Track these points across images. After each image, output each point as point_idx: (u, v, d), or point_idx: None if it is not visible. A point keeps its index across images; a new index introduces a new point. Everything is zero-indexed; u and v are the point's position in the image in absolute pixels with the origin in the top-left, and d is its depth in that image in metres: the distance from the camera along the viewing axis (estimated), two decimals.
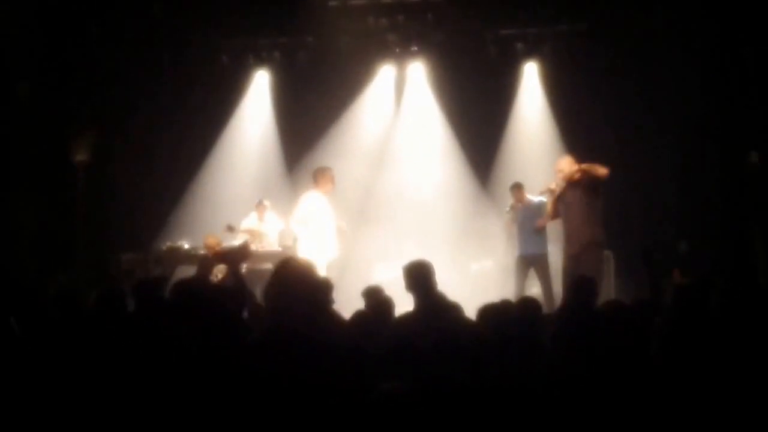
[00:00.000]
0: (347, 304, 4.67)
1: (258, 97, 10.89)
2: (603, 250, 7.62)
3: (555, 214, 7.69)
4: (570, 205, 7.43)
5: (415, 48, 10.67)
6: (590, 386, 2.70)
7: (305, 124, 10.51)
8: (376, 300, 4.49)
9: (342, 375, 2.74)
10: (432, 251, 7.48)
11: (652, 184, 9.88)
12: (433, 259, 4.66)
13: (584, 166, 7.31)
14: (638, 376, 2.74)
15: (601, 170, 7.23)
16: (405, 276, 4.50)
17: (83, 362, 3.14)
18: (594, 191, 7.32)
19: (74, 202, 9.66)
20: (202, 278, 8.32)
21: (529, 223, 8.71)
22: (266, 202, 9.50)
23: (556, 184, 7.55)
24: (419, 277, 4.43)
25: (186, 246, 9.18)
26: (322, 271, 7.62)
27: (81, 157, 9.68)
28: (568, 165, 7.50)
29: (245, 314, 3.91)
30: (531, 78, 10.69)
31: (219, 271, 8.31)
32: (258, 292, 5.39)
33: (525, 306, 3.84)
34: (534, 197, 8.86)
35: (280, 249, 9.12)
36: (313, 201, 8.17)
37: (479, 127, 10.52)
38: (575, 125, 10.02)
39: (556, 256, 8.45)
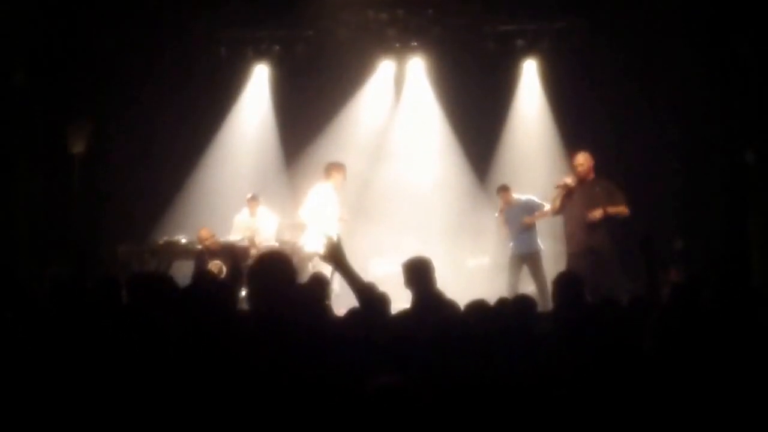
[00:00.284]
0: (347, 299, 4.66)
1: (257, 91, 10.87)
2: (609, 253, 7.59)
3: (561, 210, 7.68)
4: (579, 204, 7.43)
5: (415, 43, 10.67)
6: (584, 382, 2.71)
7: (304, 118, 10.50)
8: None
9: (332, 367, 2.74)
10: (428, 246, 7.51)
11: (649, 181, 9.88)
12: (429, 255, 4.66)
13: (610, 210, 7.36)
14: (632, 373, 2.75)
15: (624, 213, 7.40)
16: (404, 272, 4.50)
17: (78, 353, 3.13)
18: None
19: (71, 193, 9.63)
20: (198, 272, 8.36)
21: (519, 222, 8.78)
22: (258, 197, 9.47)
23: (572, 179, 7.56)
24: (419, 273, 4.42)
25: (183, 240, 9.18)
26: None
27: (78, 148, 9.65)
28: (587, 160, 7.51)
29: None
30: (530, 74, 10.70)
31: (214, 266, 8.33)
32: None
33: (520, 303, 3.85)
34: (521, 196, 8.94)
35: (277, 244, 9.11)
36: (323, 193, 8.27)
37: (478, 123, 10.54)
38: (574, 122, 10.04)
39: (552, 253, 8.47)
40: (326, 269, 7.96)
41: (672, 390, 2.72)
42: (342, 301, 4.67)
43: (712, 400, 2.71)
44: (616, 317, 3.50)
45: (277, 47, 10.58)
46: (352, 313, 3.98)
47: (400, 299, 4.60)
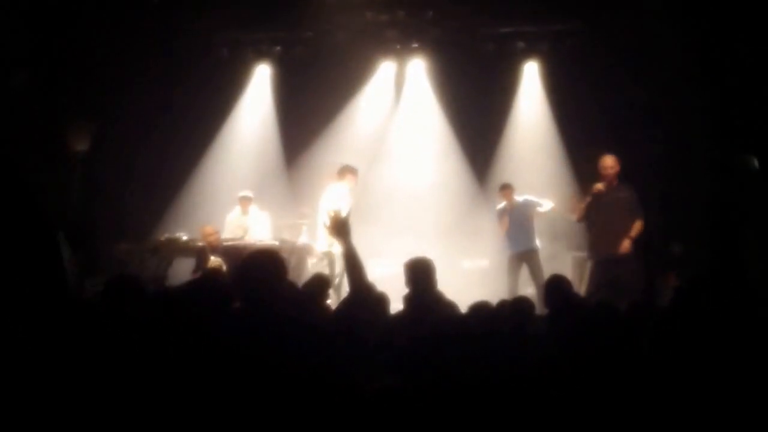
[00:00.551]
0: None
1: (257, 91, 10.92)
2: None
3: (586, 217, 7.69)
4: (605, 211, 7.46)
5: (415, 45, 10.70)
6: (582, 385, 2.73)
7: (304, 119, 10.53)
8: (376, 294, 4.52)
9: (326, 366, 2.76)
10: (426, 247, 7.55)
11: (648, 184, 9.91)
12: (426, 255, 4.71)
13: (633, 235, 7.42)
14: (631, 376, 2.77)
15: (641, 229, 7.48)
16: (406, 272, 4.56)
17: (78, 352, 3.14)
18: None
19: (72, 191, 9.67)
20: (198, 268, 8.40)
21: (518, 222, 8.83)
22: (250, 195, 9.51)
23: (603, 185, 7.57)
24: (420, 273, 4.48)
25: (184, 237, 9.20)
26: (338, 261, 7.81)
27: (79, 147, 9.69)
28: (616, 164, 7.59)
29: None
30: (530, 76, 10.72)
31: (214, 263, 8.37)
32: None
33: (518, 305, 3.90)
34: (518, 197, 9.01)
35: (277, 243, 9.14)
36: (337, 193, 8.36)
37: (477, 124, 10.55)
38: (573, 124, 10.06)
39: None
40: (327, 269, 8.06)
41: (671, 392, 2.74)
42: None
43: (711, 401, 2.73)
44: (614, 321, 3.51)
45: (278, 48, 10.64)
46: (343, 305, 3.98)
47: (399, 300, 4.64)
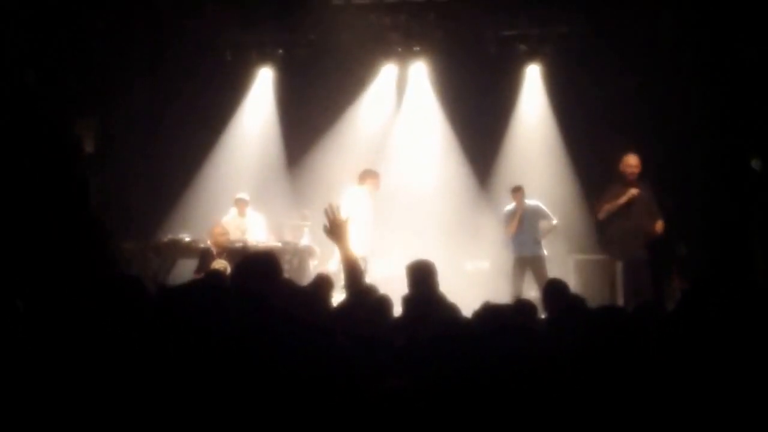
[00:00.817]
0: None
1: (260, 93, 10.94)
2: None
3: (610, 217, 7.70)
4: (631, 212, 7.48)
5: (418, 47, 10.71)
6: (588, 386, 2.73)
7: (307, 121, 10.57)
8: (375, 296, 4.54)
9: (325, 366, 2.76)
10: (428, 249, 7.58)
11: (652, 185, 9.93)
12: (429, 257, 4.74)
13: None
14: (638, 378, 2.77)
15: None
16: (407, 274, 4.59)
17: (87, 347, 3.14)
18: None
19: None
20: (202, 269, 8.41)
21: (526, 226, 8.85)
22: (246, 197, 9.52)
23: (636, 190, 7.63)
24: (421, 276, 4.51)
25: (187, 238, 9.24)
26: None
27: (85, 147, 9.71)
28: (639, 163, 7.75)
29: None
30: (532, 79, 10.73)
31: (219, 264, 8.38)
32: None
33: (520, 307, 3.91)
34: (529, 201, 9.02)
35: (279, 244, 9.17)
36: (356, 197, 8.43)
37: (480, 127, 10.56)
38: (576, 126, 10.09)
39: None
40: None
41: (679, 395, 2.74)
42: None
43: (720, 403, 2.73)
44: (621, 323, 3.51)
45: (281, 51, 10.67)
46: (341, 308, 3.99)
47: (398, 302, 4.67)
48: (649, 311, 3.99)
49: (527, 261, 8.76)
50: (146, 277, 7.92)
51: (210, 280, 4.86)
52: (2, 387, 2.75)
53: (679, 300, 4.18)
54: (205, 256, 8.59)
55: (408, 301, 4.42)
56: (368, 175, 8.75)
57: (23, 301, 3.74)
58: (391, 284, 4.88)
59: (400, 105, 11.02)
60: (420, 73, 10.87)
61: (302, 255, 9.27)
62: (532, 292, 8.56)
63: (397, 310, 4.52)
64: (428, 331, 3.14)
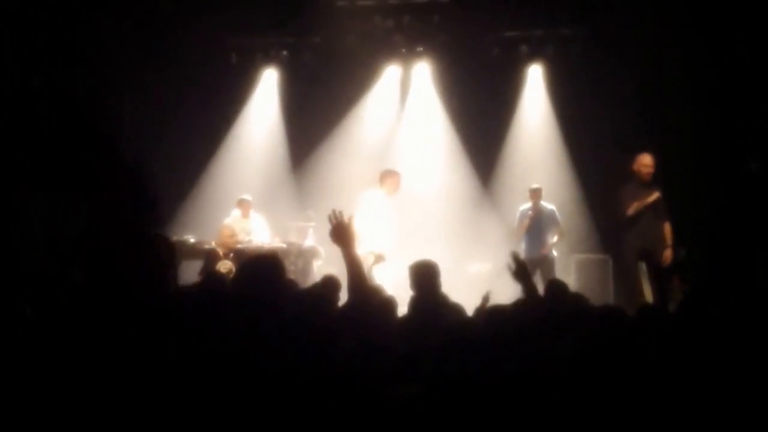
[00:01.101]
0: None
1: (265, 95, 11.01)
2: None
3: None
4: (645, 215, 7.57)
5: (421, 49, 10.75)
6: (593, 387, 2.74)
7: (311, 122, 10.61)
8: (379, 299, 4.58)
9: (326, 367, 2.78)
10: (431, 251, 7.60)
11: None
12: (431, 258, 4.78)
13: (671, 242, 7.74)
14: (642, 380, 2.78)
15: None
16: (410, 275, 4.63)
17: (96, 352, 3.15)
18: None
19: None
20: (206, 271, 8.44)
21: (539, 228, 8.87)
22: (250, 198, 9.53)
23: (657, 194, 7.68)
24: (425, 276, 4.55)
25: (191, 240, 9.26)
26: (371, 267, 7.88)
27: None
28: (653, 162, 7.79)
29: None
30: (535, 80, 10.77)
31: (224, 266, 8.41)
32: None
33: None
34: (547, 204, 9.04)
35: (284, 245, 9.20)
36: (375, 199, 8.37)
37: (482, 127, 10.59)
38: (578, 127, 10.11)
39: None
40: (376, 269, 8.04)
41: (682, 397, 2.75)
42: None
43: (719, 403, 2.74)
44: (624, 326, 3.52)
45: (286, 53, 10.72)
46: (344, 311, 4.01)
47: (403, 303, 4.70)
48: (653, 313, 4.00)
49: (536, 262, 8.77)
50: None
51: (208, 283, 4.88)
52: (7, 390, 2.78)
53: (680, 303, 4.20)
54: (210, 257, 8.60)
55: (413, 303, 4.45)
56: (386, 176, 8.60)
57: (32, 306, 3.77)
58: (393, 286, 4.90)
59: (404, 106, 11.06)
60: (423, 74, 10.91)
61: (306, 256, 9.30)
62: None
63: (402, 310, 4.56)
64: (437, 334, 3.15)
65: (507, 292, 8.44)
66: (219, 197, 10.17)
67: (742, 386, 2.85)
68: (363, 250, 7.85)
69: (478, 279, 9.66)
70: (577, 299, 4.58)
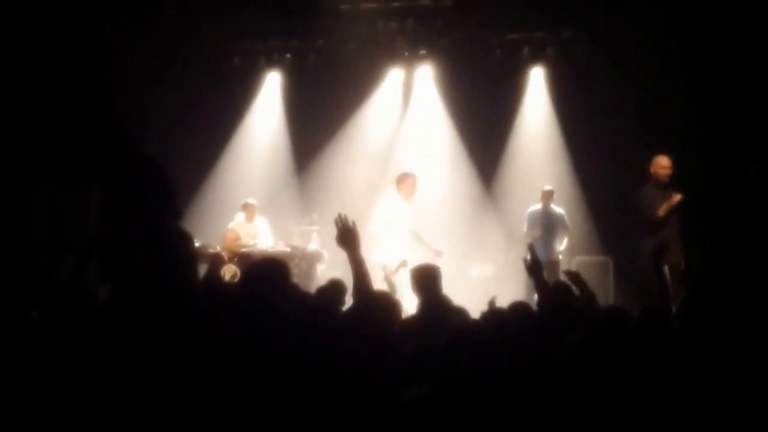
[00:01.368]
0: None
1: (269, 99, 11.05)
2: None
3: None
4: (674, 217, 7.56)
5: (424, 52, 10.78)
6: (596, 388, 2.74)
7: (314, 126, 10.65)
8: (384, 302, 4.61)
9: (334, 370, 2.79)
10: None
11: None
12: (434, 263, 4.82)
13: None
14: (645, 381, 2.79)
15: None
16: (412, 278, 4.67)
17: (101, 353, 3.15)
18: None
19: (87, 197, 9.76)
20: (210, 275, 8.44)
21: (547, 230, 8.88)
22: (254, 202, 9.54)
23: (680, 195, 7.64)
24: (426, 280, 4.59)
25: (196, 244, 9.24)
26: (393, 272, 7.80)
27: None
28: (671, 164, 7.68)
29: None
30: (537, 82, 10.79)
31: (229, 270, 8.42)
32: None
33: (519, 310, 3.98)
34: (557, 207, 9.04)
35: (288, 249, 9.22)
36: (392, 204, 8.29)
37: (484, 130, 10.61)
38: (579, 129, 10.13)
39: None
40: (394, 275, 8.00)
41: (684, 398, 2.76)
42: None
43: (719, 403, 2.75)
44: (626, 327, 3.52)
45: (289, 56, 10.77)
46: (350, 312, 4.03)
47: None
48: (657, 314, 4.02)
49: (544, 266, 8.76)
50: None
51: (208, 286, 4.90)
52: (10, 390, 2.81)
53: (680, 305, 4.21)
54: (214, 261, 8.61)
55: (420, 305, 4.48)
56: (401, 180, 8.42)
57: (39, 311, 3.78)
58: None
59: (406, 108, 11.08)
60: (426, 77, 10.94)
61: (310, 260, 9.33)
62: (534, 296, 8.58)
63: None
64: (443, 337, 3.16)
65: (509, 295, 8.54)
66: (223, 201, 10.21)
67: (742, 386, 2.87)
68: (382, 256, 7.88)
69: (480, 282, 9.70)
70: (588, 297, 4.59)
